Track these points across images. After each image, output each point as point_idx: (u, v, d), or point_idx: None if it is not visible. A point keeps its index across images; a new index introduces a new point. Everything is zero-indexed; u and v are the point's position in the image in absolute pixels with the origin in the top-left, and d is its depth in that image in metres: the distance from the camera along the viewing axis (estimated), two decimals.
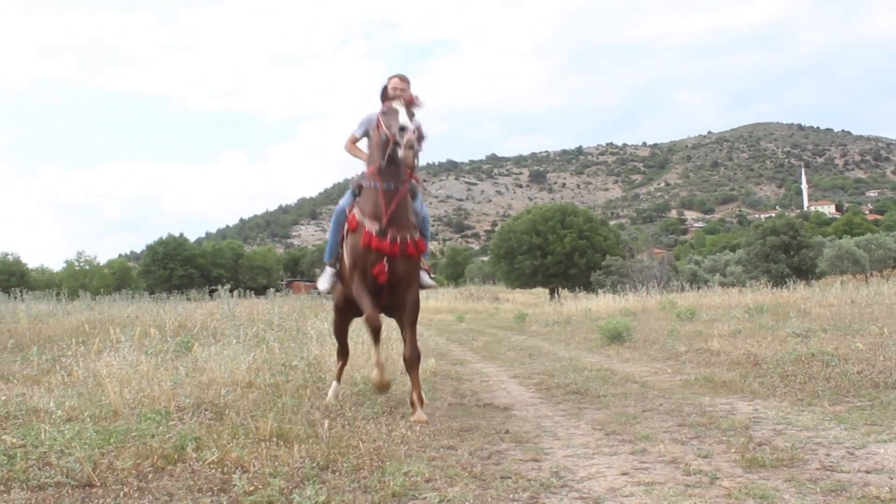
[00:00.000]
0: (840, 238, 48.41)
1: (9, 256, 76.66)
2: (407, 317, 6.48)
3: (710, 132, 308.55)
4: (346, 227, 6.49)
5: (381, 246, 6.11)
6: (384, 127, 6.12)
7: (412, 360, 6.45)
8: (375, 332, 6.45)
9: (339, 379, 7.41)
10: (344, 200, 6.68)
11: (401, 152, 5.89)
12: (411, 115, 6.06)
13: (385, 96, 6.46)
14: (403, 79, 6.67)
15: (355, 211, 6.36)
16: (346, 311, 7.26)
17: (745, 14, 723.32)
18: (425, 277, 6.77)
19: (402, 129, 5.88)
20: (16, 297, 22.56)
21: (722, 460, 4.64)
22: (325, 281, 6.82)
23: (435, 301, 46.84)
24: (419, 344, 6.72)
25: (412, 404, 6.39)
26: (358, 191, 6.50)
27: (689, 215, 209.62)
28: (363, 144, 6.85)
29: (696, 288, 29.29)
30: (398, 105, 6.11)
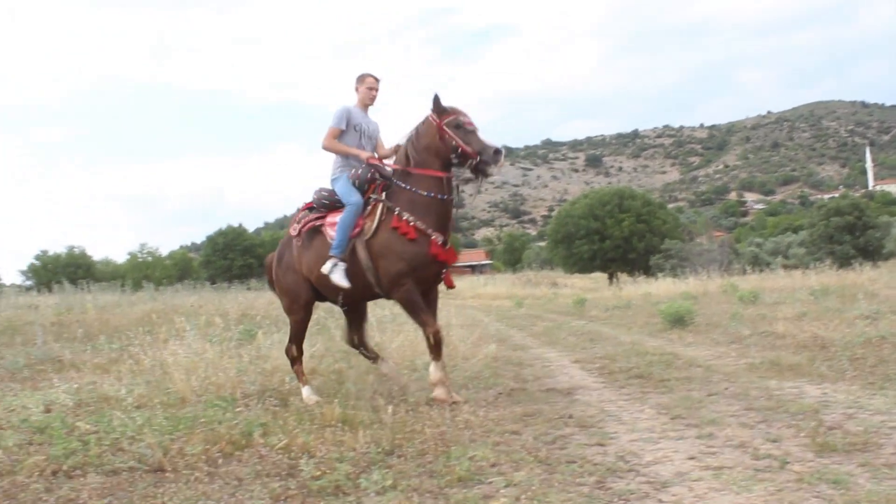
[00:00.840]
0: None
1: (75, 249, 78.35)
2: (434, 311, 6.69)
3: (769, 112, 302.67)
4: (376, 226, 6.38)
5: (447, 257, 6.42)
6: (461, 142, 6.39)
7: None
8: (440, 344, 6.41)
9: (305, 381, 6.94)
10: (356, 198, 6.49)
11: (494, 171, 6.48)
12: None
13: (442, 108, 6.57)
14: (378, 79, 7.04)
15: (407, 217, 6.30)
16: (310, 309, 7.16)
17: None
18: None
19: (497, 152, 6.41)
20: (83, 289, 23.07)
21: (792, 444, 4.55)
22: (343, 278, 6.37)
23: (493, 287, 46.91)
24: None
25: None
26: (381, 189, 6.55)
27: (749, 197, 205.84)
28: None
29: (757, 271, 28.74)
30: (472, 121, 6.52)
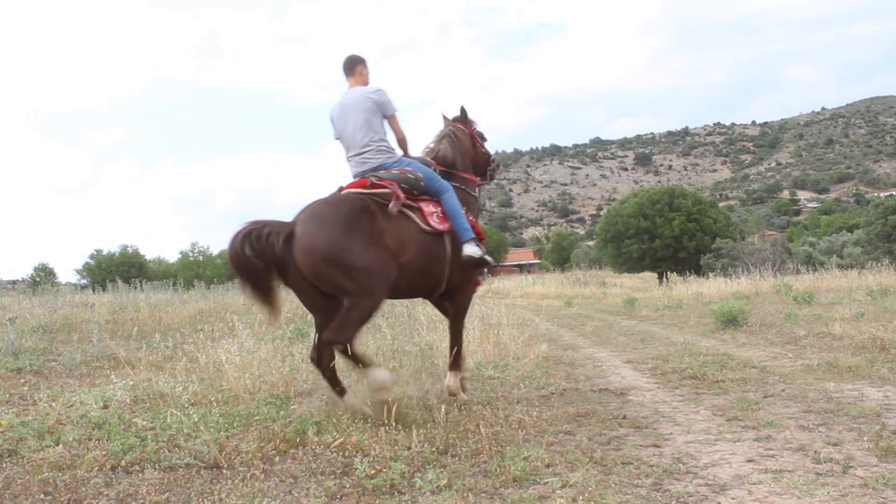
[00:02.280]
0: None
1: (129, 248, 79.70)
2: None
3: (823, 108, 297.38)
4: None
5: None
6: (487, 150, 7.18)
7: None
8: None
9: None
10: (447, 183, 6.35)
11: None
12: None
13: (469, 118, 7.16)
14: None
15: (471, 218, 6.33)
16: None
17: None
18: None
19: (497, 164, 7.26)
20: (136, 287, 23.42)
21: (854, 448, 4.46)
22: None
23: (542, 286, 46.71)
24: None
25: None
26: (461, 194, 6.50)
27: (802, 195, 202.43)
28: None
29: (811, 270, 28.24)
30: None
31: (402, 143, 6.45)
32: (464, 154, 6.86)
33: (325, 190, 6.22)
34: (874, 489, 3.65)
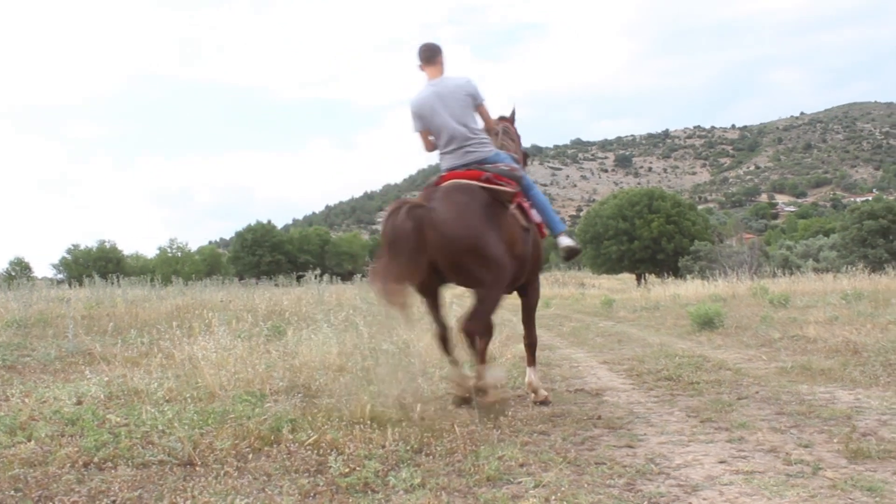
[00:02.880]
0: None
1: (106, 243, 79.23)
2: None
3: (802, 113, 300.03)
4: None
5: None
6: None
7: None
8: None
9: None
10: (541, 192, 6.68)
11: None
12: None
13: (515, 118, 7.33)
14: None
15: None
16: None
17: None
18: None
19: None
20: (113, 283, 23.26)
21: (824, 450, 4.50)
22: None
23: None
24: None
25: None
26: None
27: (781, 199, 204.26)
28: None
29: (788, 274, 28.47)
30: None
31: (490, 132, 6.50)
32: (516, 152, 6.92)
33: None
34: (842, 490, 3.69)
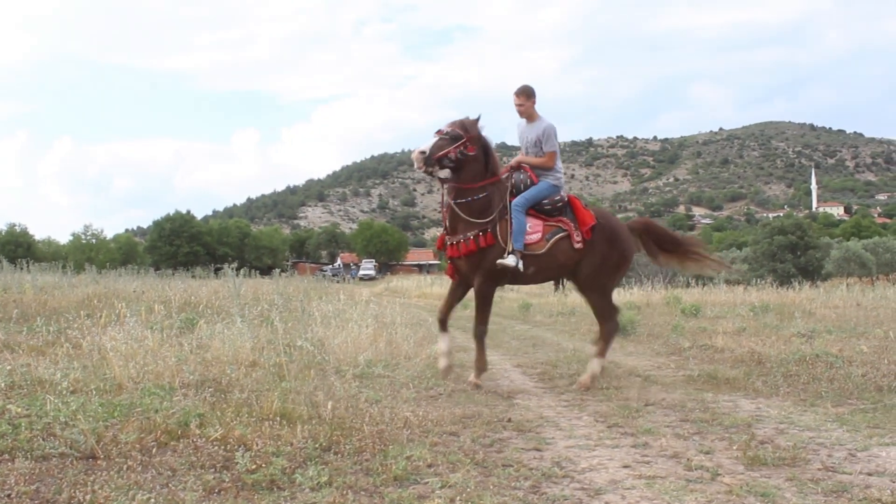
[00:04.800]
0: (847, 240, 48.17)
1: (16, 227, 76.80)
2: (475, 295, 7.75)
3: (721, 129, 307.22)
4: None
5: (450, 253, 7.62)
6: None
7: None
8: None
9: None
10: None
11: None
12: (446, 138, 7.27)
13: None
14: (519, 93, 7.87)
15: None
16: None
17: (772, 10, 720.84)
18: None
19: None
20: (22, 268, 22.52)
21: (724, 457, 4.64)
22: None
23: (440, 287, 46.77)
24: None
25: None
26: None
27: (697, 211, 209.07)
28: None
29: (701, 284, 29.14)
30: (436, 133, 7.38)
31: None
32: None
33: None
34: (738, 496, 3.81)
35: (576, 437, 5.22)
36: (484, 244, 7.27)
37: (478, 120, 7.49)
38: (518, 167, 7.80)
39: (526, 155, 7.91)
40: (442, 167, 7.25)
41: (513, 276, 7.53)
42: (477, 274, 7.48)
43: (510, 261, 7.21)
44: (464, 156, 7.28)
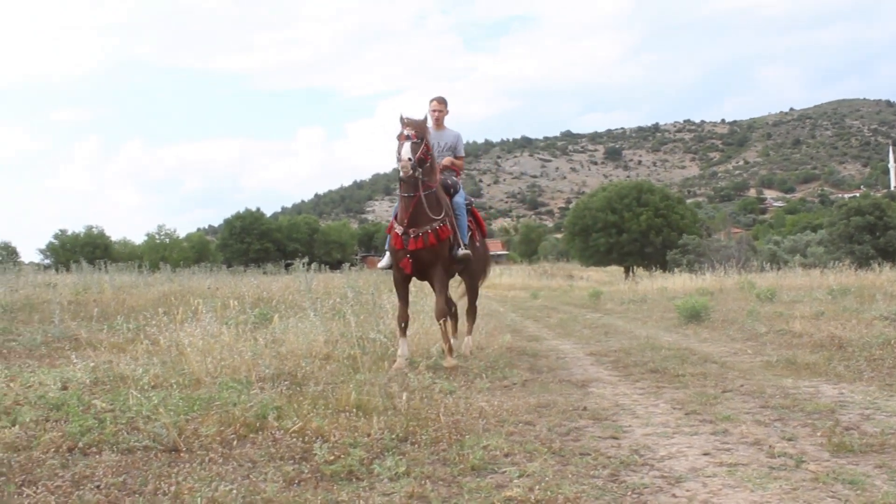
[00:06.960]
0: None
1: (94, 229, 78.87)
2: (436, 283, 8.05)
3: (791, 109, 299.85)
4: None
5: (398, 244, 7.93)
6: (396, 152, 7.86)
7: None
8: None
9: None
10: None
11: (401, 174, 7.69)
12: (418, 142, 7.71)
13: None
14: (440, 101, 8.62)
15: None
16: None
17: None
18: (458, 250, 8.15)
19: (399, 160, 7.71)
20: (100, 269, 23.15)
21: (807, 444, 4.53)
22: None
23: (508, 277, 46.83)
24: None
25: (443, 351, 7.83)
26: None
27: (769, 194, 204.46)
28: None
29: (775, 268, 28.52)
30: (402, 137, 7.75)
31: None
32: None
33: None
34: (824, 483, 3.71)
35: (653, 425, 5.15)
36: (444, 236, 7.88)
37: (425, 120, 8.08)
38: (446, 168, 8.58)
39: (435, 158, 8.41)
40: (420, 168, 7.75)
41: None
42: (438, 264, 7.93)
43: (465, 252, 8.10)
44: (426, 155, 7.83)
